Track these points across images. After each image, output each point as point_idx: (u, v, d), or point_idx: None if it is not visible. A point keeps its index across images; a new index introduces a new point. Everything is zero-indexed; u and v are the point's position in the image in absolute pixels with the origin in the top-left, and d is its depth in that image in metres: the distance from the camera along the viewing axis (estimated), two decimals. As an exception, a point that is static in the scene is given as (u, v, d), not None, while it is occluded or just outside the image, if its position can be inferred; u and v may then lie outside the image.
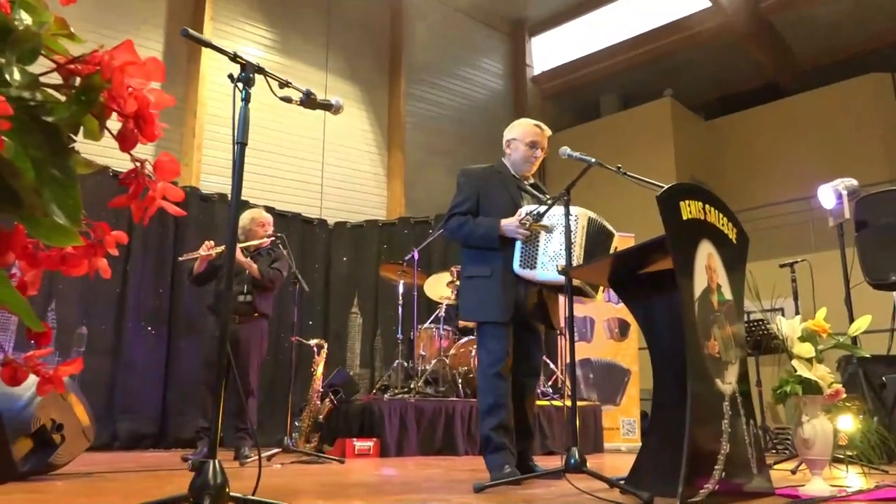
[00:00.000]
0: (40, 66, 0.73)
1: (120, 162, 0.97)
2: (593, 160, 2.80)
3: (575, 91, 11.88)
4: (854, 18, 10.05)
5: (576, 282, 2.87)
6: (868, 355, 3.71)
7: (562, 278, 2.75)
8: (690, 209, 2.29)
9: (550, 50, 11.58)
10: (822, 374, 2.43)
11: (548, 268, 2.88)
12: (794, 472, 3.23)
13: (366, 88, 9.17)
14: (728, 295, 2.38)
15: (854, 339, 3.10)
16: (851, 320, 3.96)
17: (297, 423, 4.80)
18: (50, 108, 0.71)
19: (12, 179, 0.66)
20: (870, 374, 4.13)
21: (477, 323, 3.17)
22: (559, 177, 9.49)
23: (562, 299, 3.18)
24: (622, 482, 2.41)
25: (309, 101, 2.06)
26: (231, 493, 1.62)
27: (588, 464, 2.49)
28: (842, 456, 2.71)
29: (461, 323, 5.65)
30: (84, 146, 0.76)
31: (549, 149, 3.30)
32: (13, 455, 2.67)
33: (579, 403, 3.06)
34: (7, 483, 2.63)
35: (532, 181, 3.29)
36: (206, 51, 7.17)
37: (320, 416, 4.87)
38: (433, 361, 5.66)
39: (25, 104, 0.69)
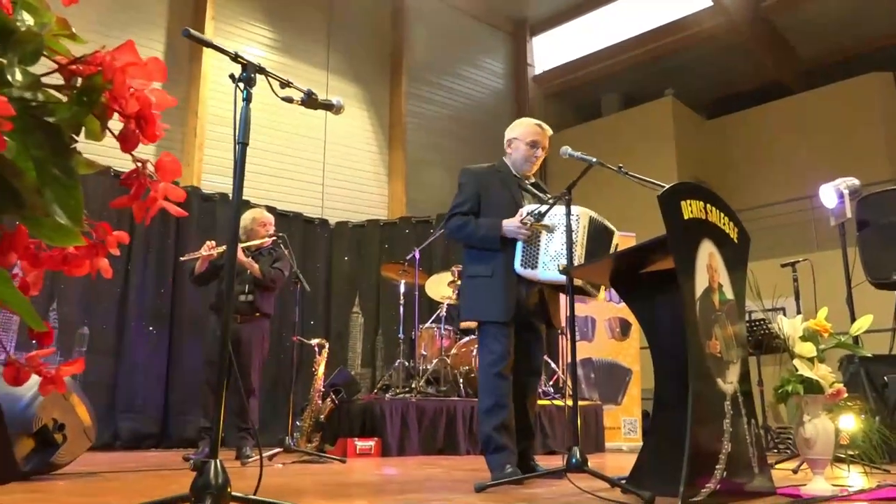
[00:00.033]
0: (42, 66, 0.73)
1: (121, 162, 0.97)
2: (594, 160, 2.80)
3: (576, 90, 11.88)
4: (855, 17, 10.04)
5: (577, 281, 2.87)
6: (870, 355, 3.72)
7: (563, 278, 2.76)
8: (692, 208, 2.29)
9: (552, 49, 11.57)
10: (824, 373, 2.43)
11: (549, 267, 2.88)
12: (795, 471, 3.22)
13: (367, 88, 9.17)
14: (729, 294, 2.38)
15: (856, 339, 3.09)
16: (853, 320, 3.96)
17: (298, 423, 4.80)
18: (52, 109, 0.71)
19: (14, 179, 0.67)
20: (871, 374, 4.13)
21: (478, 323, 3.17)
22: (560, 176, 9.48)
23: (563, 299, 3.18)
24: (623, 482, 2.41)
25: (310, 100, 2.06)
26: (232, 493, 1.62)
27: (589, 463, 2.49)
28: (843, 455, 2.70)
29: (462, 323, 5.65)
30: (85, 146, 0.76)
31: (550, 148, 3.29)
32: (15, 455, 2.68)
33: (580, 403, 3.05)
34: (9, 483, 2.63)
35: (533, 181, 3.28)
36: (207, 51, 7.18)
37: (322, 416, 4.87)
38: (434, 361, 5.66)
39: (27, 105, 0.69)
